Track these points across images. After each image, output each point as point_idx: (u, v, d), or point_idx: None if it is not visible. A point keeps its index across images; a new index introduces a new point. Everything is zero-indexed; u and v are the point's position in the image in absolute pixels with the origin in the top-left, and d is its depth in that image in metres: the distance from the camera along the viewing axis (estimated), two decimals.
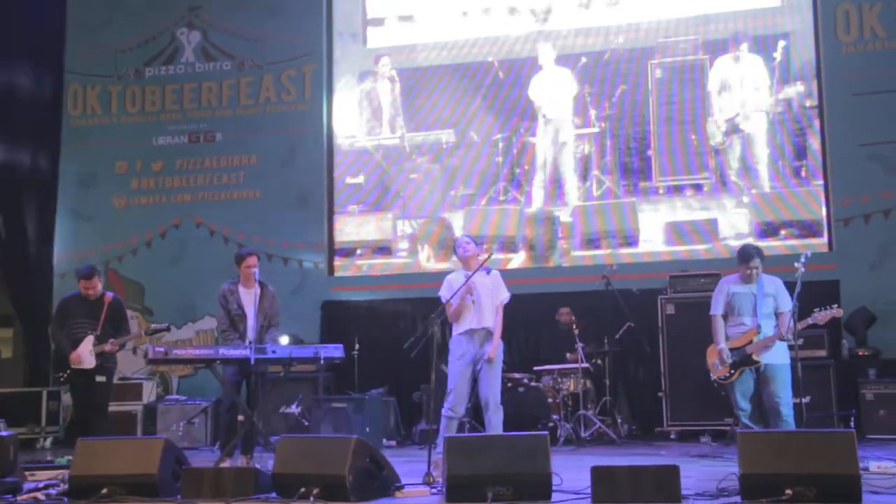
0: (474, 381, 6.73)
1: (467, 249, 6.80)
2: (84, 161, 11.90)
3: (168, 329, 8.00)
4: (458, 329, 6.75)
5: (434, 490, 5.40)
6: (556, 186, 10.78)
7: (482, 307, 6.70)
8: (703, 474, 5.95)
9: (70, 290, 8.15)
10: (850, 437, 4.53)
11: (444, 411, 6.61)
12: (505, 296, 6.84)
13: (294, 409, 9.37)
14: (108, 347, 7.58)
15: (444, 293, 6.77)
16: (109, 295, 7.87)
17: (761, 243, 9.22)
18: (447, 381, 6.74)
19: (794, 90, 10.24)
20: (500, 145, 11.00)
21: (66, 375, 7.59)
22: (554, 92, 10.91)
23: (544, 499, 4.86)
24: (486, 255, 6.93)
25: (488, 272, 6.82)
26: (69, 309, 7.75)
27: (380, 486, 5.21)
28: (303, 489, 4.95)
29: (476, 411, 8.11)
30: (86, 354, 7.51)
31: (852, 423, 8.36)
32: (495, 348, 6.70)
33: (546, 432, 5.28)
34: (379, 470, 5.24)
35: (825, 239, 9.95)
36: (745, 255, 6.95)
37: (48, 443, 10.06)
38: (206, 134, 11.76)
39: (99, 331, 7.59)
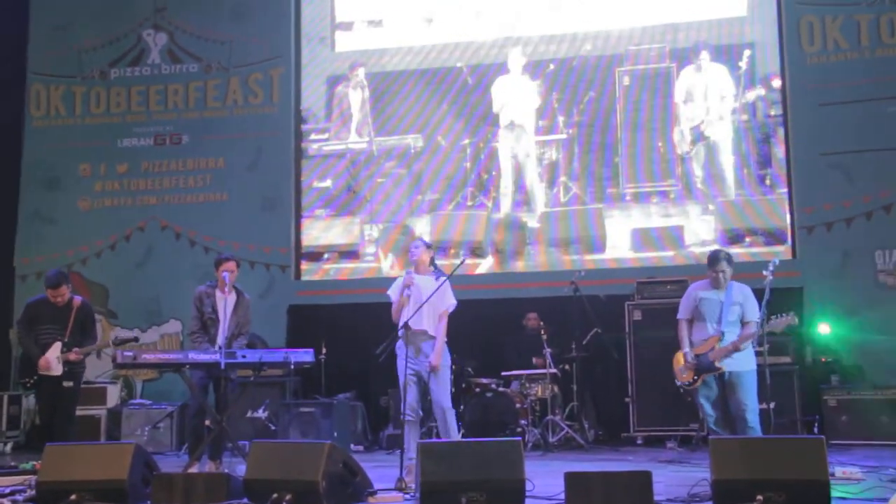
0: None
1: (414, 253, 6.86)
2: (47, 163, 11.74)
3: (136, 339, 7.87)
4: (399, 327, 6.65)
5: (407, 496, 5.40)
6: (523, 192, 10.83)
7: (422, 308, 6.54)
8: (671, 480, 6.01)
9: (35, 295, 8.01)
10: (820, 444, 4.59)
11: (404, 416, 6.54)
12: (450, 303, 6.74)
13: (261, 413, 9.31)
14: (72, 356, 7.42)
15: (391, 292, 6.81)
16: (78, 299, 7.70)
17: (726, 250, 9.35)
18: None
19: (759, 99, 10.38)
20: (468, 150, 11.03)
21: (32, 381, 7.46)
22: (516, 98, 10.95)
23: None
24: (459, 262, 6.91)
25: (437, 277, 6.78)
26: (36, 314, 7.58)
27: (353, 492, 5.20)
28: (275, 495, 4.91)
29: None
30: (53, 361, 7.38)
31: (816, 429, 8.48)
32: (438, 355, 6.58)
33: (519, 438, 5.30)
34: (352, 476, 5.23)
35: (789, 246, 10.09)
36: (713, 258, 7.02)
37: (9, 448, 9.89)
38: (172, 136, 11.66)
39: (67, 337, 7.45)
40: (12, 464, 7.12)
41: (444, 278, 6.76)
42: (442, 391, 6.61)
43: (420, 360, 6.59)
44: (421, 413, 6.71)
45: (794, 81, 10.23)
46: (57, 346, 7.41)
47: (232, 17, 11.69)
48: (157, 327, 11.09)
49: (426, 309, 6.57)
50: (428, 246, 6.93)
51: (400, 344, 6.61)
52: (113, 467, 5.19)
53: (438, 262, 7.36)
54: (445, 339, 6.70)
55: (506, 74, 11.02)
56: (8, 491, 5.45)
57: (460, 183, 10.99)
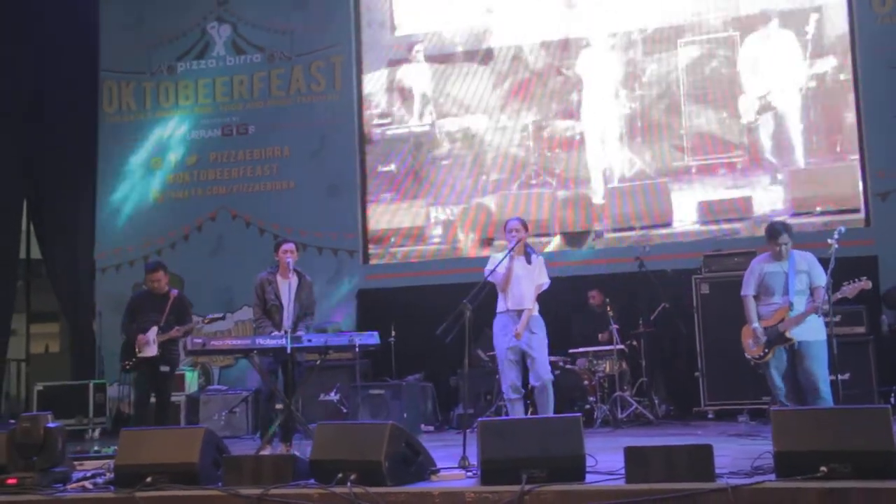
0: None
1: (515, 236, 7.04)
2: (120, 157, 12.07)
3: (224, 317, 8.57)
4: (498, 309, 7.06)
5: (469, 473, 5.45)
6: (588, 168, 10.75)
7: (518, 291, 6.96)
8: (738, 453, 5.93)
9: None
10: (885, 413, 4.49)
11: (504, 395, 6.94)
12: (543, 281, 7.07)
13: (333, 396, 9.46)
14: (173, 333, 7.96)
15: (494, 268, 7.03)
16: (174, 292, 8.25)
17: (797, 220, 9.20)
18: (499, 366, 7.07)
19: (828, 64, 10.11)
20: (531, 129, 10.99)
21: (131, 363, 7.98)
22: (598, 71, 10.86)
23: (578, 480, 4.86)
24: (515, 241, 7.01)
25: (530, 259, 7.06)
26: (137, 305, 8.20)
27: (416, 471, 5.26)
28: (340, 475, 5.00)
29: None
30: (150, 341, 7.89)
31: (892, 400, 8.28)
32: (523, 325, 6.95)
33: (579, 414, 5.32)
34: (415, 455, 5.28)
35: (862, 214, 9.83)
36: (773, 232, 6.89)
37: (96, 433, 10.28)
38: (239, 127, 11.88)
39: (163, 322, 7.96)
40: (96, 448, 7.42)
41: (541, 258, 7.21)
42: (540, 368, 6.96)
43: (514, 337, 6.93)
44: (523, 390, 6.99)
45: (863, 44, 9.94)
46: (153, 329, 7.93)
47: (292, 6, 11.84)
48: (230, 315, 11.31)
49: (523, 290, 6.99)
50: (527, 229, 7.19)
51: (497, 320, 7.07)
52: (185, 451, 5.32)
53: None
54: (535, 313, 7.07)
55: (587, 48, 10.92)
56: (90, 474, 5.66)
57: (523, 162, 10.96)
